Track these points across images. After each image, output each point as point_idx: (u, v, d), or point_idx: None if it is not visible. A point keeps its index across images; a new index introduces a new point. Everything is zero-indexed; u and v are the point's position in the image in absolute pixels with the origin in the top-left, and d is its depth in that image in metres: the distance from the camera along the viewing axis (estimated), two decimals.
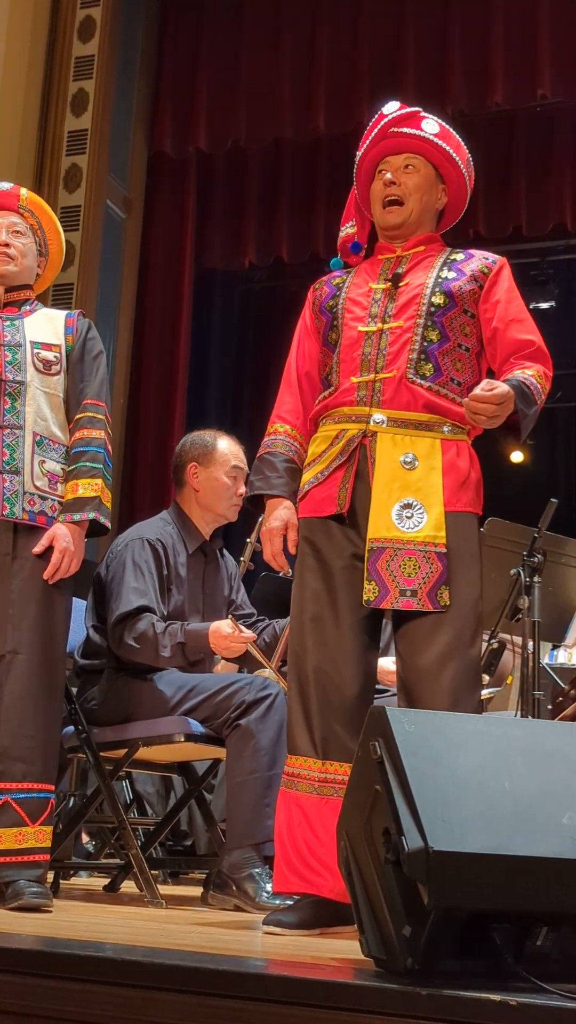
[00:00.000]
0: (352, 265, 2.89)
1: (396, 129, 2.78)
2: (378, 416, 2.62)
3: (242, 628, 3.33)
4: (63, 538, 2.87)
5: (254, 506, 2.88)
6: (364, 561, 2.60)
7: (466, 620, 2.58)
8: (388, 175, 2.76)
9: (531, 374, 2.63)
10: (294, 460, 2.80)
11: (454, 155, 2.79)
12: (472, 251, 2.80)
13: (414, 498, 2.58)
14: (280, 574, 4.27)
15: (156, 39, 7.22)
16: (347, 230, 2.89)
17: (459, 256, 2.76)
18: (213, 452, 3.61)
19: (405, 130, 2.78)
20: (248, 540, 3.91)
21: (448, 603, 2.55)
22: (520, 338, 2.68)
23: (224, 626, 3.30)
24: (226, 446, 3.63)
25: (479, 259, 2.76)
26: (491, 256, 2.79)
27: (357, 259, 2.89)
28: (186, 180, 7.23)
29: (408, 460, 2.60)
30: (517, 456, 8.97)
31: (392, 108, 2.80)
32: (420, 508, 2.58)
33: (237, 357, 8.43)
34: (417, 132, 2.77)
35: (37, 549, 2.86)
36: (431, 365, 2.64)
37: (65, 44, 6.65)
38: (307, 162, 7.28)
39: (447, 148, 2.78)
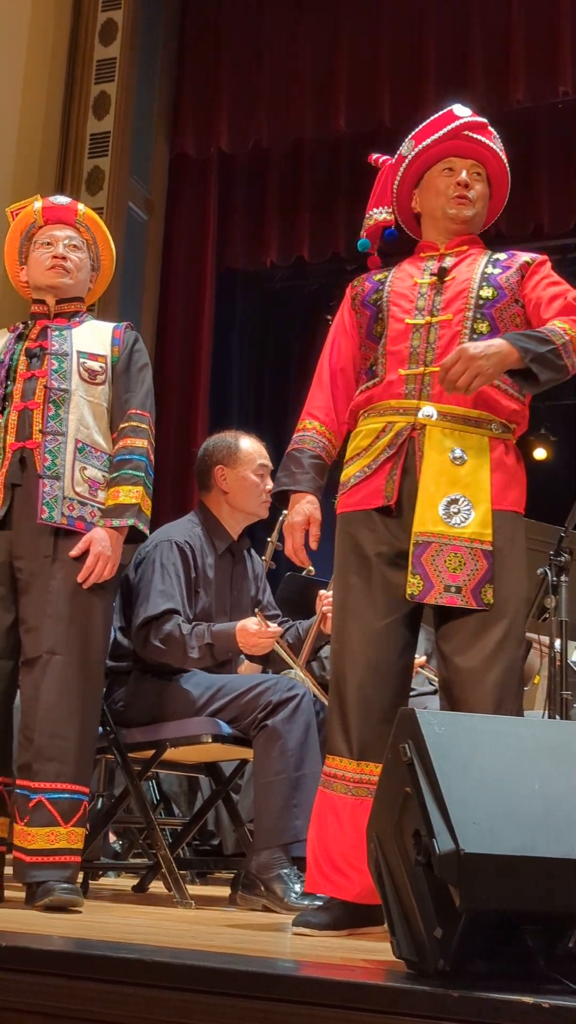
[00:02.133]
0: (373, 252, 2.89)
1: (469, 133, 2.79)
2: (427, 410, 2.60)
3: (268, 623, 3.33)
4: (100, 542, 2.90)
5: (280, 502, 2.88)
6: (409, 555, 2.57)
7: (513, 620, 2.56)
8: (464, 175, 2.77)
9: (555, 325, 2.58)
10: (321, 456, 2.79)
11: (508, 171, 2.84)
12: (514, 251, 2.82)
13: (461, 494, 2.56)
14: (303, 572, 4.27)
15: (177, 41, 7.23)
16: (383, 215, 2.87)
17: (502, 256, 2.77)
18: (238, 452, 3.62)
19: (477, 136, 2.80)
20: (269, 539, 3.92)
21: (492, 601, 2.53)
22: (557, 304, 2.64)
23: (250, 623, 3.31)
24: (249, 445, 3.64)
25: (523, 255, 2.78)
26: (534, 254, 2.81)
27: (378, 246, 2.89)
28: (208, 181, 7.23)
29: (457, 455, 2.58)
30: (540, 453, 8.95)
31: (465, 112, 2.82)
32: (467, 504, 2.56)
33: (259, 356, 8.43)
34: (488, 142, 2.80)
35: (74, 552, 2.89)
36: None
37: (87, 47, 6.67)
38: (328, 161, 7.28)
39: (505, 163, 2.84)
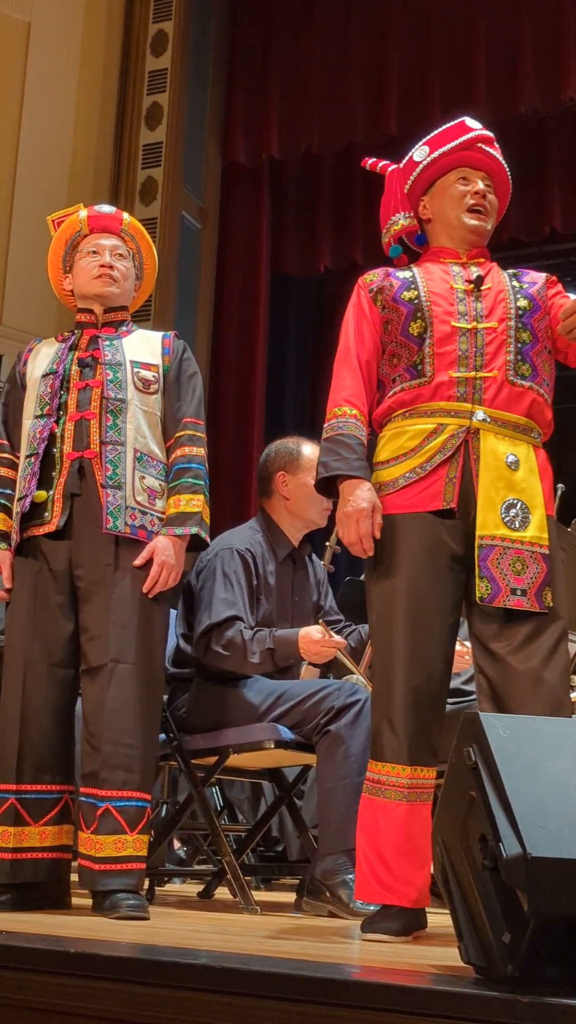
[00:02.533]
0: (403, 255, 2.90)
1: (482, 146, 2.81)
2: (480, 414, 2.60)
3: (332, 633, 3.33)
4: (163, 551, 2.92)
5: (325, 489, 2.73)
6: (474, 558, 2.56)
7: (566, 622, 2.59)
8: (481, 185, 2.77)
9: None
10: (364, 445, 2.71)
11: (511, 186, 2.87)
12: (523, 268, 2.87)
13: (518, 498, 2.58)
14: (363, 576, 4.23)
15: (227, 50, 7.28)
16: (407, 220, 2.87)
17: (516, 271, 2.82)
18: (299, 459, 3.61)
19: (490, 150, 2.82)
20: (327, 544, 3.90)
21: (552, 604, 2.56)
22: None
23: (314, 632, 3.30)
24: (311, 452, 3.62)
25: (537, 272, 2.84)
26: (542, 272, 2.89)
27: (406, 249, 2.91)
28: (260, 188, 7.27)
29: (512, 460, 2.59)
30: None
31: (476, 125, 2.84)
32: (524, 508, 2.58)
33: (314, 362, 8.43)
34: (499, 157, 2.83)
35: (138, 561, 2.91)
36: (528, 365, 2.65)
37: (138, 59, 6.74)
38: None
39: (509, 179, 2.86)
